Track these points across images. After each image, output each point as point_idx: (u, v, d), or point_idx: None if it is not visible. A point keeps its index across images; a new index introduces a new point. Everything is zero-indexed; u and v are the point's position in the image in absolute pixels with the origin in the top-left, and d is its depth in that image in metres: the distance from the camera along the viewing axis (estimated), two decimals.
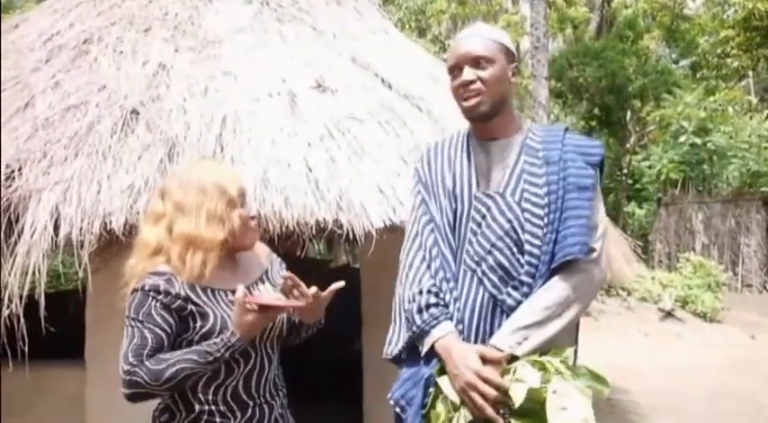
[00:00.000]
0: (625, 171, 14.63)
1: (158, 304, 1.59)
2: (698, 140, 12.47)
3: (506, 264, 1.70)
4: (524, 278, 1.69)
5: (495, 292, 1.69)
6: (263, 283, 1.79)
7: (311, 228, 3.04)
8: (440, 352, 1.67)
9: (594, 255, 1.69)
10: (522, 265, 1.69)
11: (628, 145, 14.79)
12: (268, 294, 1.72)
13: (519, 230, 1.70)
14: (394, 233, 3.15)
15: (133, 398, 1.58)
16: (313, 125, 3.53)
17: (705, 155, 12.63)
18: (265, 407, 1.71)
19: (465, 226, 1.75)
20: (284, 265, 1.88)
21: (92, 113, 3.32)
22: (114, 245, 2.73)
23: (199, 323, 1.62)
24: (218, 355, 1.58)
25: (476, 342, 1.68)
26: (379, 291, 4.29)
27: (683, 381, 6.66)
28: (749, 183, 12.52)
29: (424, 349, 1.71)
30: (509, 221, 1.71)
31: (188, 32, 4.09)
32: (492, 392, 1.54)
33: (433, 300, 1.73)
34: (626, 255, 4.73)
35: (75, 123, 3.25)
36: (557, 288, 1.65)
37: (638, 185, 14.85)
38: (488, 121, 1.78)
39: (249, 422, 1.68)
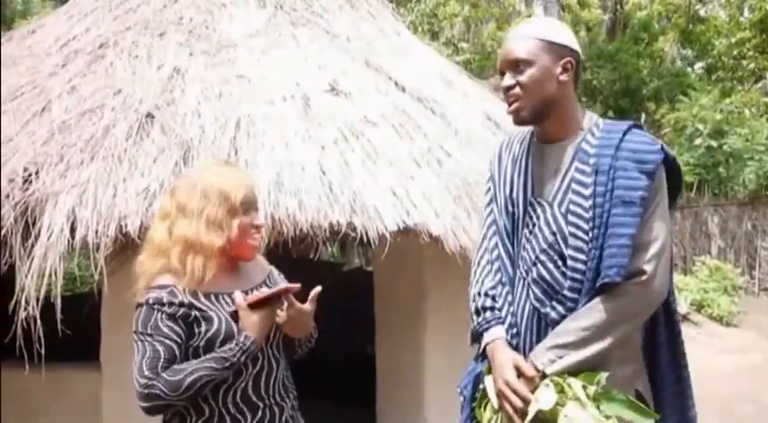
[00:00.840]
0: None
1: (164, 316, 1.60)
2: (713, 143, 12.34)
3: (548, 277, 1.64)
4: (568, 293, 1.61)
5: (537, 304, 1.65)
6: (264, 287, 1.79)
7: (325, 230, 3.05)
8: (488, 355, 1.68)
9: (643, 277, 1.55)
10: (566, 280, 1.61)
11: None
12: (265, 290, 1.72)
13: (562, 244, 1.62)
14: (407, 236, 3.15)
15: (151, 411, 1.58)
16: (327, 128, 3.53)
17: (721, 157, 12.50)
18: (275, 408, 1.71)
19: (521, 232, 1.70)
20: (282, 277, 1.88)
21: (107, 117, 3.35)
22: (130, 248, 2.75)
23: (204, 327, 1.62)
24: (235, 359, 1.59)
25: (526, 347, 1.66)
26: (392, 294, 4.30)
27: (698, 385, 6.56)
28: (766, 185, 12.38)
29: (479, 350, 1.74)
30: (553, 234, 1.64)
31: (202, 36, 4.12)
32: (518, 404, 1.54)
33: (488, 303, 1.72)
34: None
35: (91, 127, 3.29)
36: (596, 310, 1.56)
37: None
38: (540, 124, 1.68)
39: None
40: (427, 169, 3.54)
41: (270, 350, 1.72)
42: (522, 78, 1.63)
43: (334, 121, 3.61)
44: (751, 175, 12.45)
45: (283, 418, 1.71)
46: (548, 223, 1.65)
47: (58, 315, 2.63)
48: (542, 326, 1.64)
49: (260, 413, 1.67)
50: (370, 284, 4.29)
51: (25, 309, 2.61)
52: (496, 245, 1.74)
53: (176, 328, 1.60)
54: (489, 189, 1.80)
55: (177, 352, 1.59)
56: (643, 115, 14.70)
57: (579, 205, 1.60)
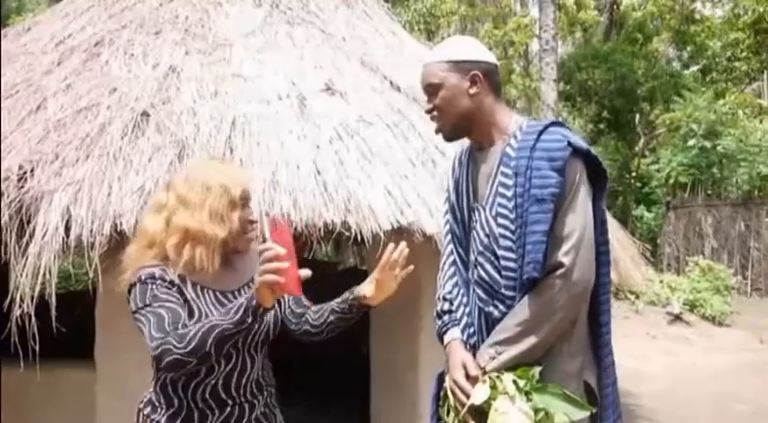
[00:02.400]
0: (634, 174, 14.57)
1: (159, 287, 1.60)
2: (707, 144, 12.39)
3: (487, 278, 1.72)
4: (505, 292, 1.68)
5: (481, 304, 1.74)
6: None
7: (320, 229, 3.06)
8: (446, 356, 1.79)
9: (561, 270, 1.60)
10: (502, 279, 1.68)
11: (637, 148, 14.73)
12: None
13: (494, 245, 1.69)
14: (401, 235, 3.16)
15: (168, 369, 1.53)
16: (322, 127, 3.54)
17: (715, 158, 12.55)
18: (246, 405, 1.71)
19: (468, 236, 1.80)
20: None
21: (103, 115, 3.35)
22: (124, 246, 2.75)
23: (186, 315, 1.61)
24: (238, 311, 1.49)
25: (479, 345, 1.73)
26: None
27: (691, 384, 6.62)
28: (759, 186, 12.43)
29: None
30: (487, 236, 1.72)
31: (198, 35, 4.12)
32: (463, 400, 1.64)
33: (446, 306, 1.84)
34: (634, 258, 4.72)
35: (87, 125, 3.29)
36: (525, 305, 1.63)
37: (646, 189, 14.78)
38: (468, 137, 1.79)
39: (227, 420, 1.68)
40: (422, 169, 3.56)
41: (246, 350, 1.71)
42: (437, 101, 1.75)
43: (329, 120, 3.62)
44: (744, 175, 12.51)
45: (253, 416, 1.71)
46: (482, 226, 1.74)
47: (53, 313, 2.63)
48: (489, 325, 1.72)
49: (228, 409, 1.68)
50: None
51: (20, 306, 2.61)
52: (452, 251, 1.85)
53: (174, 295, 1.60)
54: (447, 198, 1.90)
55: (182, 312, 1.56)
56: (638, 115, 14.75)
57: (505, 207, 1.67)
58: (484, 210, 1.73)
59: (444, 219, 1.91)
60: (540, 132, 1.67)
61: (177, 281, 1.63)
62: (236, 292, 1.73)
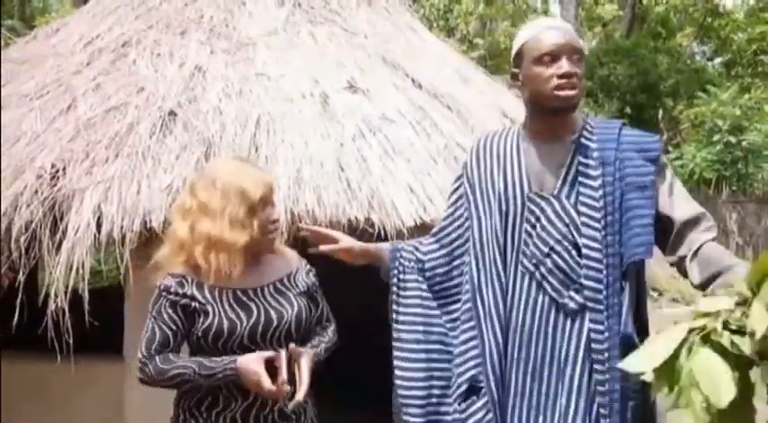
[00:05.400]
0: None
1: (167, 302, 1.70)
2: (732, 139, 12.22)
3: (566, 267, 1.68)
4: (585, 281, 1.65)
5: (555, 295, 1.69)
6: (281, 285, 1.82)
7: (343, 226, 3.09)
8: None
9: (712, 231, 1.69)
10: (581, 268, 1.66)
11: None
12: (305, 371, 1.70)
13: (575, 234, 1.68)
14: (424, 232, 3.18)
15: (142, 382, 1.73)
16: (345, 125, 3.58)
17: (740, 154, 12.37)
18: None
19: (519, 228, 1.73)
20: (313, 272, 1.91)
21: (131, 115, 3.43)
22: (154, 242, 2.81)
23: (201, 319, 1.71)
24: (213, 372, 1.65)
25: (536, 343, 1.70)
26: None
27: None
28: None
29: None
30: (566, 225, 1.69)
31: (223, 35, 4.18)
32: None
33: None
34: (658, 255, 4.69)
35: (116, 125, 3.36)
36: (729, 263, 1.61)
37: None
38: (568, 115, 1.74)
39: (250, 408, 1.72)
40: (444, 166, 3.58)
41: (267, 345, 1.74)
42: (579, 70, 1.69)
43: (351, 118, 3.66)
44: None
45: (276, 406, 1.74)
46: (558, 215, 1.70)
47: (86, 307, 2.70)
48: (560, 317, 1.67)
49: (251, 398, 1.72)
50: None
51: (54, 301, 2.69)
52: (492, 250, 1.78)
53: (174, 316, 1.70)
54: (460, 187, 1.85)
55: (171, 338, 1.70)
56: (661, 111, 14.60)
57: (589, 196, 1.67)
58: (558, 199, 1.71)
59: (452, 208, 1.86)
60: (620, 128, 1.74)
61: (192, 290, 1.71)
62: (257, 290, 1.77)
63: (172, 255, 1.75)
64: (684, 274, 1.72)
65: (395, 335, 1.88)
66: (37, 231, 2.85)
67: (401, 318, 1.88)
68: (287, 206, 3.02)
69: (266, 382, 1.61)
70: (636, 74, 13.44)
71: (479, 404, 1.73)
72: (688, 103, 13.64)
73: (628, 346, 1.57)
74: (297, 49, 4.21)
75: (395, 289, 1.89)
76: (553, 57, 1.68)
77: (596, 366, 1.64)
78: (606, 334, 1.63)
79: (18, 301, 2.76)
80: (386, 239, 3.14)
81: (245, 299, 1.75)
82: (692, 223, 1.69)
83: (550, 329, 1.68)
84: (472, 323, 1.77)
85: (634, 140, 1.72)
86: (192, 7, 4.43)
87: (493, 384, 1.72)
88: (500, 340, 1.72)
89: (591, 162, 1.69)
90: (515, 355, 1.71)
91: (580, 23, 14.16)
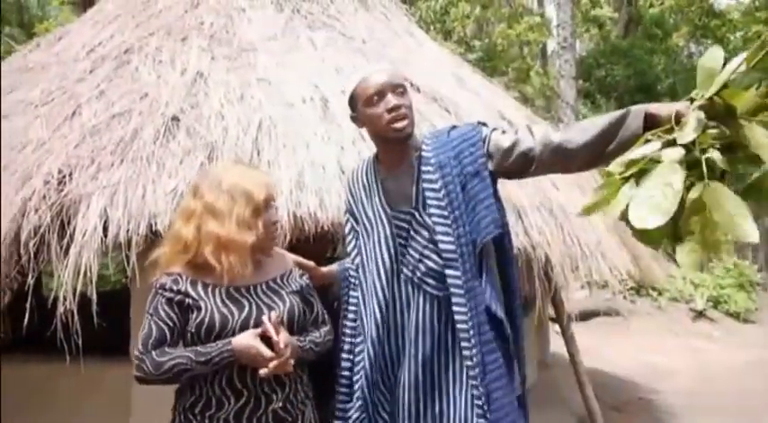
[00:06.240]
0: None
1: (164, 299, 1.77)
2: None
3: (435, 266, 1.88)
4: (447, 272, 1.85)
5: (434, 292, 1.89)
6: (275, 284, 1.88)
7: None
8: None
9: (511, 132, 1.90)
10: (443, 262, 1.86)
11: None
12: (284, 333, 1.77)
13: (434, 235, 1.88)
14: None
15: (139, 381, 1.77)
16: (345, 129, 3.63)
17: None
18: (262, 398, 1.79)
19: (394, 243, 1.96)
20: (307, 275, 2.00)
21: (135, 121, 3.48)
22: (159, 245, 2.87)
23: (194, 315, 1.76)
24: (210, 357, 1.71)
25: (423, 338, 1.90)
26: None
27: (714, 381, 6.61)
28: None
29: None
30: (426, 230, 1.90)
31: (223, 41, 4.24)
32: None
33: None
34: (656, 254, 4.74)
35: (120, 131, 3.42)
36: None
37: None
38: (408, 140, 1.95)
39: (242, 409, 1.77)
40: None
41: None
42: (405, 101, 1.92)
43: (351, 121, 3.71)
44: None
45: (270, 409, 1.78)
46: (420, 224, 1.91)
47: (94, 310, 2.76)
48: (442, 311, 1.89)
49: (243, 400, 1.76)
50: None
51: (63, 304, 2.74)
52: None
53: (171, 312, 1.76)
54: (351, 228, 2.09)
55: (168, 334, 1.75)
56: None
57: (434, 198, 1.88)
58: (417, 211, 1.92)
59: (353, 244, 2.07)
60: (449, 131, 1.96)
61: (186, 287, 1.78)
62: (250, 288, 1.83)
63: (174, 255, 1.80)
64: (549, 162, 1.83)
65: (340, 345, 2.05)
66: (45, 236, 2.90)
67: (347, 331, 2.05)
68: (289, 209, 3.07)
69: (265, 351, 1.69)
70: (633, 74, 13.53)
71: (356, 405, 1.94)
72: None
73: (492, 320, 1.83)
74: (296, 54, 4.27)
75: (344, 305, 2.07)
76: (379, 96, 1.89)
77: (463, 343, 1.82)
78: (469, 314, 1.81)
79: (27, 304, 2.81)
80: None
81: (237, 295, 1.80)
82: (518, 141, 1.86)
83: (436, 324, 1.88)
84: (361, 338, 1.99)
85: (461, 134, 1.92)
86: (192, 14, 4.49)
87: (365, 386, 1.93)
88: (377, 348, 1.93)
89: (430, 168, 1.89)
90: (409, 353, 1.91)
91: (576, 25, 14.23)
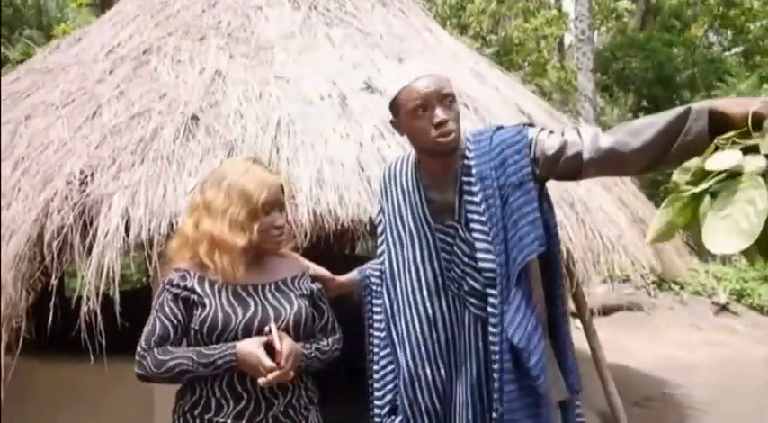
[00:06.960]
0: None
1: (170, 296, 1.73)
2: None
3: (476, 285, 1.78)
4: (488, 291, 1.74)
5: (478, 312, 1.79)
6: (284, 285, 1.83)
7: (365, 225, 3.15)
8: None
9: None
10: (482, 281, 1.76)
11: None
12: (287, 343, 1.72)
13: (474, 253, 1.77)
14: None
15: (140, 378, 1.73)
16: (363, 125, 3.62)
17: None
18: (262, 402, 1.75)
19: (438, 256, 1.84)
20: (317, 283, 1.94)
21: (155, 121, 3.50)
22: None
23: (198, 311, 1.72)
24: (212, 359, 1.67)
25: (469, 359, 1.81)
26: None
27: (737, 375, 6.52)
28: None
29: None
30: (469, 246, 1.78)
31: (241, 39, 4.25)
32: None
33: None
34: (678, 247, 4.68)
35: (140, 130, 3.44)
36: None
37: None
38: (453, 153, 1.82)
39: (242, 413, 1.73)
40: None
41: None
42: (452, 112, 1.75)
43: (370, 118, 3.70)
44: None
45: (270, 413, 1.74)
46: (463, 240, 1.80)
47: (117, 309, 2.77)
48: (486, 331, 1.77)
49: (243, 403, 1.73)
50: None
51: (87, 303, 2.76)
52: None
53: (175, 309, 1.72)
54: (380, 221, 1.98)
55: (171, 331, 1.71)
56: (678, 104, 14.47)
57: (475, 212, 1.76)
58: (460, 224, 1.80)
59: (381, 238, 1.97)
60: (491, 136, 1.78)
61: (192, 284, 1.74)
62: (258, 287, 1.78)
63: (178, 249, 1.79)
64: (596, 167, 1.70)
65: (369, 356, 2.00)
66: (68, 236, 2.93)
67: (375, 341, 1.98)
68: (309, 207, 3.07)
69: (267, 361, 1.64)
70: (651, 67, 13.36)
71: (396, 421, 1.86)
72: (706, 94, 13.51)
73: (514, 351, 1.68)
74: (314, 51, 4.26)
75: (368, 314, 2.00)
76: (425, 108, 1.73)
77: (494, 375, 1.73)
78: (498, 338, 1.71)
79: (51, 304, 2.84)
80: None
81: (243, 294, 1.75)
82: (566, 144, 1.71)
83: (481, 343, 1.78)
84: (388, 350, 1.90)
85: (504, 140, 1.76)
86: (209, 13, 4.50)
87: (407, 404, 1.84)
88: (412, 364, 1.83)
89: (471, 179, 1.77)
90: (454, 374, 1.82)
91: (594, 17, 14.10)
